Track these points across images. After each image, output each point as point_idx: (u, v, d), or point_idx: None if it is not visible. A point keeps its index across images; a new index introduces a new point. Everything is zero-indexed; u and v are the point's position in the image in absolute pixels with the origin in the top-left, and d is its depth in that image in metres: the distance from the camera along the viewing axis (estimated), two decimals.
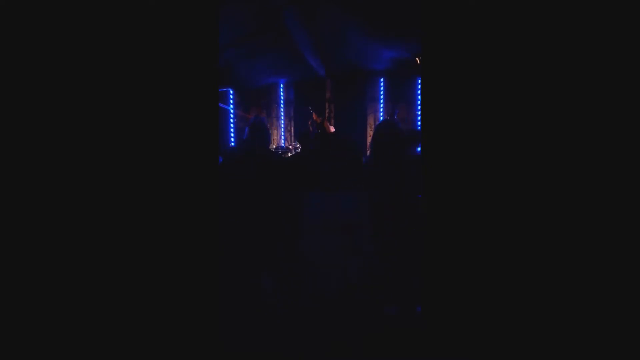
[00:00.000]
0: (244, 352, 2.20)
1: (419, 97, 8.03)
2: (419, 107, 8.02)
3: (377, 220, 2.21)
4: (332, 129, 7.82)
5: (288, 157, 6.66)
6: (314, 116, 7.43)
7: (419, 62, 6.92)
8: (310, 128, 7.46)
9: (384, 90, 8.55)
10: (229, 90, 9.11)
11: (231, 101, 9.22)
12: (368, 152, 7.58)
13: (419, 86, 8.03)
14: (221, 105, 8.63)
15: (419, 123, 7.84)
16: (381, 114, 8.57)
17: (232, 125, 9.18)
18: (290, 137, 9.06)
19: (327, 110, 8.65)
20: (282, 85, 9.10)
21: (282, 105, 9.18)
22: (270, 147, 7.65)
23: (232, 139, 9.10)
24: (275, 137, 9.29)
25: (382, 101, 8.57)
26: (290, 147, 8.06)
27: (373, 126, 8.55)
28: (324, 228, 2.11)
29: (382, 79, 8.51)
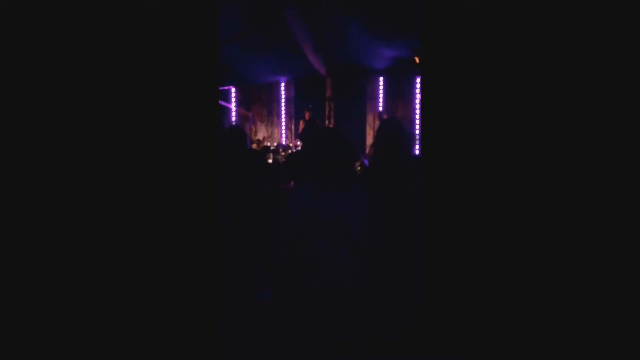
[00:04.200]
0: (245, 354, 2.20)
1: (418, 96, 8.09)
2: (418, 106, 8.08)
3: (375, 218, 2.20)
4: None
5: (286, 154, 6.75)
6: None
7: (418, 61, 6.96)
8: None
9: (383, 88, 8.61)
10: (231, 89, 9.17)
11: (233, 99, 9.28)
12: (367, 151, 7.64)
13: (418, 85, 8.08)
14: (223, 103, 8.70)
15: (418, 122, 7.90)
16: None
17: (233, 123, 9.24)
18: (291, 134, 9.12)
19: (327, 109, 8.72)
20: (282, 84, 9.16)
21: (282, 103, 9.24)
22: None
23: None
24: (276, 135, 9.36)
25: (381, 99, 8.63)
26: (291, 144, 8.13)
27: (372, 124, 8.61)
28: (320, 225, 2.09)
29: (381, 78, 8.56)
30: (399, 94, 8.52)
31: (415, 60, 6.99)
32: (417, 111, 8.10)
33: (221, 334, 1.74)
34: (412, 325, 1.85)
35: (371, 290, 2.21)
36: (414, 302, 1.88)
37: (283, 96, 9.21)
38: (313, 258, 2.02)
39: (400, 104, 8.52)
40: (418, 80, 7.95)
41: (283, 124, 9.26)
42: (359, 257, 2.08)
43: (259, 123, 8.87)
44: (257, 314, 2.56)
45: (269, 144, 8.24)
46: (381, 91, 8.61)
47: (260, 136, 8.16)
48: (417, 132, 7.83)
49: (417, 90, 8.14)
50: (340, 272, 2.03)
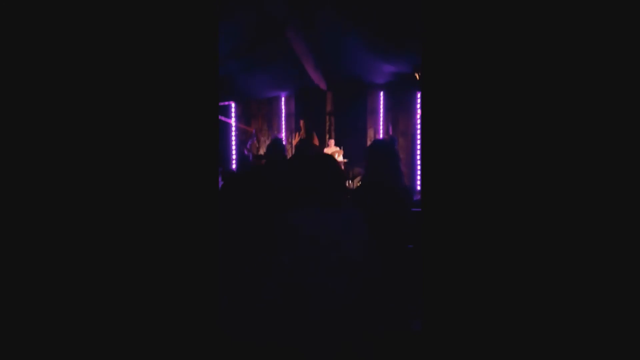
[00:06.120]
0: (246, 354, 2.18)
1: (419, 110, 8.12)
2: (419, 121, 8.10)
3: (373, 232, 2.18)
4: (332, 144, 7.93)
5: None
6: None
7: (418, 77, 7.00)
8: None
9: (383, 103, 8.65)
10: (231, 104, 9.21)
11: (232, 114, 9.31)
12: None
13: (419, 100, 8.11)
14: (222, 118, 8.72)
15: (419, 135, 7.91)
16: (381, 127, 8.66)
17: (233, 138, 9.26)
18: (292, 149, 9.13)
19: (327, 123, 8.74)
20: (283, 98, 9.19)
21: (283, 118, 9.27)
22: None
23: (234, 152, 9.17)
24: None
25: (381, 114, 8.66)
26: None
27: (373, 139, 8.61)
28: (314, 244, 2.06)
29: (382, 92, 8.60)
30: (399, 108, 8.56)
31: (415, 76, 7.02)
32: (418, 126, 8.11)
33: (221, 334, 1.73)
34: (412, 325, 1.84)
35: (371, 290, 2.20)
36: (414, 302, 1.87)
37: (283, 111, 9.24)
38: (309, 284, 1.99)
39: (401, 119, 8.55)
40: (419, 94, 7.98)
41: (284, 138, 9.27)
42: (358, 282, 2.06)
43: (262, 139, 8.90)
44: (257, 313, 2.54)
45: None
46: (382, 106, 8.64)
47: (262, 152, 8.16)
48: (419, 146, 7.86)
49: (418, 105, 8.16)
50: (338, 299, 2.00)
